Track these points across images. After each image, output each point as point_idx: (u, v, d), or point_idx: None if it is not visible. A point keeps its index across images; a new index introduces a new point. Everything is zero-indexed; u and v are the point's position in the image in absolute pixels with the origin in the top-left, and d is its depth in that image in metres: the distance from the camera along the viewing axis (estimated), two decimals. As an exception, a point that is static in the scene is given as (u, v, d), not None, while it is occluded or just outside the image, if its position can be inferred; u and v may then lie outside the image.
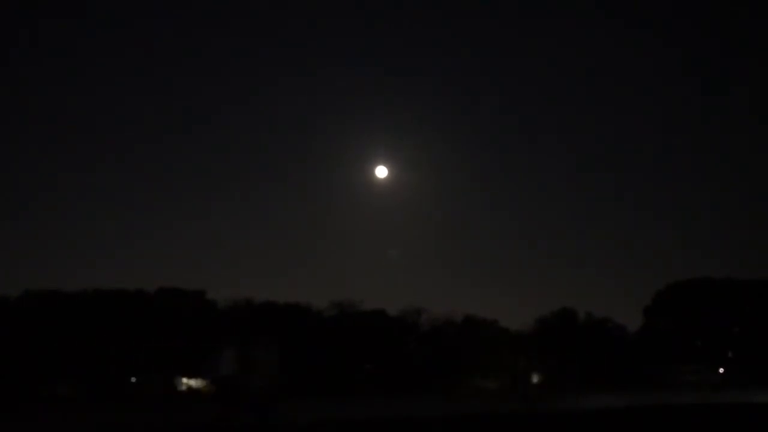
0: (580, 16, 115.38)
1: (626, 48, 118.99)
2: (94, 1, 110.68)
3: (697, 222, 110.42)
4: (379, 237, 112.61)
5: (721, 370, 67.72)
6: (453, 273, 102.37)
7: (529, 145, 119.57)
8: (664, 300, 71.82)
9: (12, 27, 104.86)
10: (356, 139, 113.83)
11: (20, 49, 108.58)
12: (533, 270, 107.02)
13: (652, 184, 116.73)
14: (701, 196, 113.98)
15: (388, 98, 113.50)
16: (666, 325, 70.52)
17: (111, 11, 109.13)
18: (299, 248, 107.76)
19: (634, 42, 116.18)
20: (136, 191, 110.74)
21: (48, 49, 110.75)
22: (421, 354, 68.45)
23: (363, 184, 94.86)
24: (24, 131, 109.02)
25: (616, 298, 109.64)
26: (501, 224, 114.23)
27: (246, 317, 63.09)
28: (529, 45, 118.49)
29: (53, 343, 56.95)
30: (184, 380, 63.36)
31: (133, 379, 61.76)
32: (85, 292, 62.47)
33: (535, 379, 70.72)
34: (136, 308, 61.16)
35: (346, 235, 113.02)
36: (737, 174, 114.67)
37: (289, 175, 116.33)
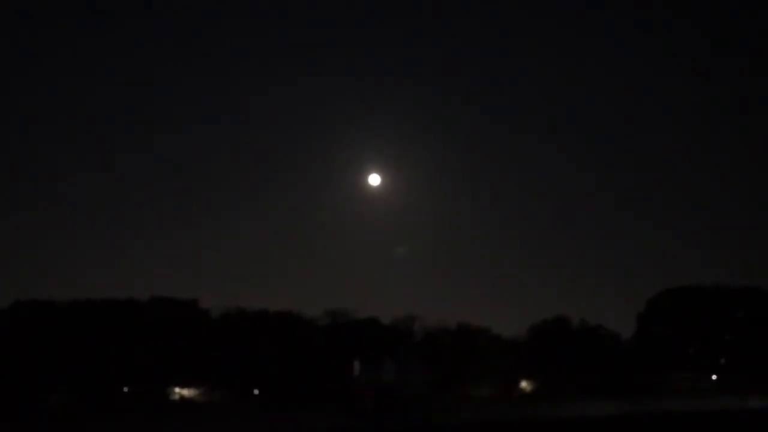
0: (578, 17, 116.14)
1: (626, 48, 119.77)
2: (95, 1, 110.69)
3: (690, 230, 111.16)
4: (372, 245, 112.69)
5: (714, 377, 67.86)
6: (447, 280, 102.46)
7: (524, 153, 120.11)
8: (657, 307, 71.98)
9: (12, 27, 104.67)
10: (349, 148, 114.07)
11: (20, 49, 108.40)
12: (527, 277, 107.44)
13: (645, 194, 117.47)
14: (694, 204, 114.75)
15: (382, 106, 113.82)
16: (659, 331, 70.66)
17: (112, 11, 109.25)
18: (293, 257, 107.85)
19: (634, 42, 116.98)
20: (128, 200, 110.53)
21: (48, 49, 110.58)
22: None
23: (356, 192, 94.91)
24: (22, 133, 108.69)
25: (609, 305, 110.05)
26: (494, 232, 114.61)
27: (239, 326, 62.81)
28: (526, 46, 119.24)
29: (45, 353, 56.39)
30: (177, 389, 62.86)
31: (126, 389, 61.19)
32: (77, 302, 61.92)
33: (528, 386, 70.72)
34: (129, 317, 60.70)
35: (340, 243, 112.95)
36: (730, 183, 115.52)
37: (282, 186, 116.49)
